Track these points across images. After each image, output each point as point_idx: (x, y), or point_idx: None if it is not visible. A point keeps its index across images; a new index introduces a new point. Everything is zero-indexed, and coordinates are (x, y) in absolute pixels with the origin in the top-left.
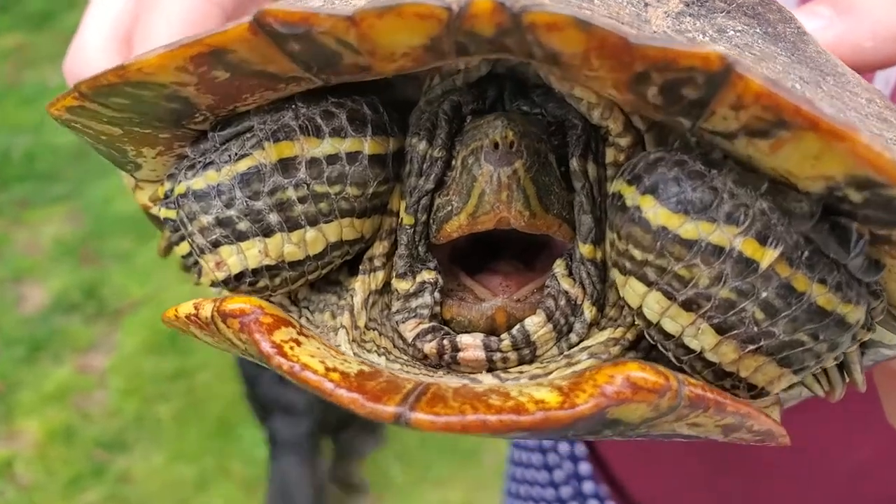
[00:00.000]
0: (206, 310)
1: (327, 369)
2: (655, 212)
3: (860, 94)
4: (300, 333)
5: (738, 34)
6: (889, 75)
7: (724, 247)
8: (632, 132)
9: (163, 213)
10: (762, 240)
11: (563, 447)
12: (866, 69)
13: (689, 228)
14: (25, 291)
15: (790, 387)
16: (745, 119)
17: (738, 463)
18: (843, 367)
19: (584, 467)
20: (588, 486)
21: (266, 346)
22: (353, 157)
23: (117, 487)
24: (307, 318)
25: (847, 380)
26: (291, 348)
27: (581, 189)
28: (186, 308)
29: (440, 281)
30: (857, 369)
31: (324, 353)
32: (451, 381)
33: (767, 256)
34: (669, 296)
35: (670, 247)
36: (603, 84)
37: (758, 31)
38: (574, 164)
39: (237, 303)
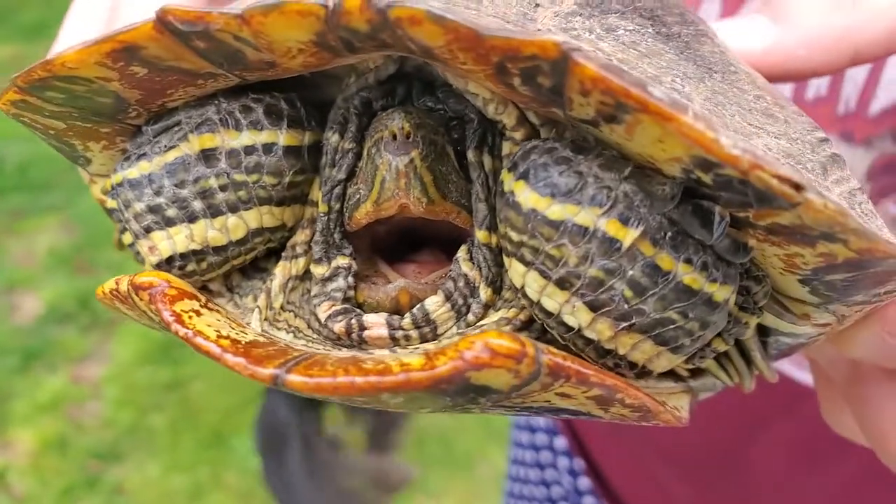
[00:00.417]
0: (123, 284)
1: (219, 336)
2: (526, 196)
3: (748, 91)
4: (204, 306)
5: (627, 33)
6: (856, 76)
7: (588, 227)
8: (526, 126)
9: (108, 203)
10: (624, 220)
11: (562, 462)
12: (800, 77)
13: (555, 210)
14: (19, 301)
15: (701, 374)
16: (595, 104)
17: (730, 490)
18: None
19: (584, 482)
20: (588, 501)
21: (166, 315)
22: (268, 147)
23: (111, 498)
24: (236, 303)
25: (755, 371)
26: (190, 317)
27: (476, 178)
28: (110, 284)
29: (354, 266)
30: (757, 357)
31: (221, 325)
32: (340, 354)
33: (629, 236)
34: (545, 275)
35: (540, 228)
36: (477, 77)
37: (650, 31)
38: (470, 155)
39: (147, 276)
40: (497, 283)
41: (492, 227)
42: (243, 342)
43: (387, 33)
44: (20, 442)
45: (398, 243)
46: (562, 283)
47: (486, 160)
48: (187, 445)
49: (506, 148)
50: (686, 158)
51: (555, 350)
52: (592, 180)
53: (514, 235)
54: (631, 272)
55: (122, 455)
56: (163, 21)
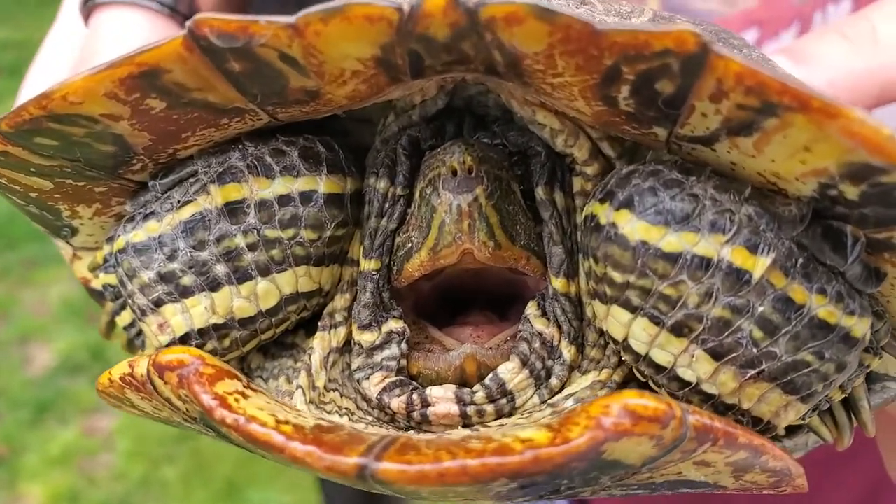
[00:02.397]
0: (141, 366)
1: (278, 421)
2: (633, 226)
3: None
4: (247, 387)
5: None
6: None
7: (711, 258)
8: (599, 160)
9: (101, 279)
10: (752, 248)
11: None
12: None
13: (671, 241)
14: (32, 353)
15: (796, 432)
16: (727, 111)
17: None
18: (848, 407)
19: None
20: None
21: (207, 399)
22: (307, 196)
23: None
24: (259, 387)
25: (854, 423)
26: (237, 400)
27: (549, 218)
28: (121, 368)
29: (408, 331)
30: (864, 406)
31: (274, 407)
32: (421, 436)
33: (759, 265)
34: (657, 321)
35: (652, 263)
36: (570, 93)
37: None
38: (540, 192)
39: (174, 353)
40: (579, 339)
41: (569, 275)
42: (307, 427)
43: (470, 41)
44: (31, 496)
45: (440, 306)
46: (679, 329)
47: (559, 197)
48: (200, 497)
49: (577, 184)
50: (833, 168)
51: (698, 408)
52: (710, 203)
53: (617, 276)
54: (761, 308)
55: None
56: (195, 35)
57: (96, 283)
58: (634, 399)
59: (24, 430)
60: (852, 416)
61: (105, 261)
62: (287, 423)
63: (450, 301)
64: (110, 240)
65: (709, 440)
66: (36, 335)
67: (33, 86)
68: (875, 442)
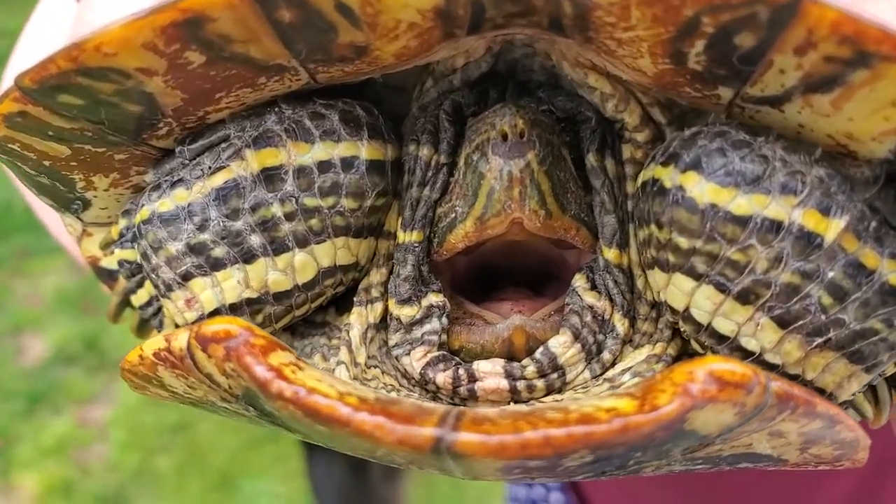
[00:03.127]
0: (181, 340)
1: (341, 393)
2: (702, 188)
3: None
4: (299, 359)
5: None
6: None
7: (782, 221)
8: (650, 126)
9: (117, 255)
10: (824, 210)
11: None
12: None
13: (741, 203)
14: (25, 343)
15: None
16: (811, 64)
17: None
18: (890, 383)
19: None
20: None
21: (261, 371)
22: (348, 163)
23: None
24: None
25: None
26: (293, 371)
27: (601, 186)
28: (155, 343)
29: (448, 304)
30: None
31: (332, 380)
32: (483, 408)
33: (832, 229)
34: (722, 288)
35: (721, 227)
36: (637, 50)
37: None
38: (591, 159)
39: (220, 323)
40: (631, 313)
41: (621, 245)
42: (370, 398)
43: None
44: (24, 487)
45: (473, 284)
46: (745, 297)
47: (609, 165)
48: (194, 488)
49: (626, 151)
50: None
51: (776, 376)
52: (780, 165)
53: (683, 241)
54: (831, 274)
55: (128, 499)
56: None
57: (109, 261)
58: (720, 364)
59: (17, 420)
60: (892, 392)
61: (121, 235)
62: (350, 394)
63: (483, 278)
64: (128, 213)
65: (788, 408)
66: (29, 325)
67: (19, 67)
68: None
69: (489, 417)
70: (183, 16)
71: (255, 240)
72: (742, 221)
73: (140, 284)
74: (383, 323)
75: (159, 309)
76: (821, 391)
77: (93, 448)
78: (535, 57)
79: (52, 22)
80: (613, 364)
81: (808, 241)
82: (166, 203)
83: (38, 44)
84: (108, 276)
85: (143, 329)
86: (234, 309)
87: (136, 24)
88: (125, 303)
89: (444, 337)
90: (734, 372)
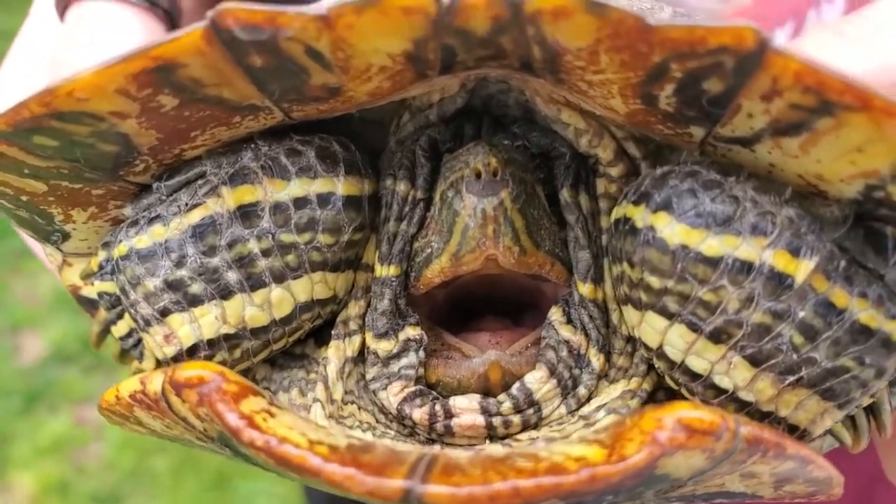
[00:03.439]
0: (155, 383)
1: (311, 442)
2: (672, 229)
3: None
4: (271, 404)
5: None
6: None
7: (753, 262)
8: (624, 161)
9: (97, 287)
10: (794, 251)
11: None
12: None
13: (712, 244)
14: (22, 342)
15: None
16: (777, 111)
17: None
18: (868, 410)
19: None
20: None
21: (232, 419)
22: (324, 199)
23: None
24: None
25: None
26: (264, 419)
27: (575, 222)
28: (131, 385)
29: (425, 338)
30: (886, 409)
31: (303, 426)
32: (457, 452)
33: (803, 269)
34: (694, 327)
35: (692, 268)
36: (608, 91)
37: None
38: (565, 195)
39: (193, 369)
40: (606, 347)
41: (596, 280)
42: (341, 447)
43: (511, 35)
44: (20, 486)
45: (452, 313)
46: (717, 336)
47: (583, 200)
48: (190, 488)
49: (600, 186)
50: (886, 170)
51: (747, 419)
52: (751, 205)
53: (654, 281)
54: (802, 314)
55: (123, 498)
56: (217, 27)
57: (89, 291)
58: (688, 411)
59: (14, 419)
60: (870, 419)
61: (101, 267)
62: (321, 442)
63: (461, 308)
64: (107, 245)
65: (759, 451)
66: (27, 324)
67: (5, 85)
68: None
69: (460, 466)
70: (154, 63)
71: (232, 276)
72: (713, 262)
73: (120, 316)
74: (361, 356)
75: (139, 340)
76: (794, 428)
77: (89, 447)
78: (510, 92)
79: (40, 39)
80: (589, 399)
81: (778, 282)
82: (143, 239)
83: (25, 63)
84: (89, 305)
85: (124, 357)
86: (211, 344)
87: (108, 71)
88: (107, 331)
89: (421, 371)
90: (702, 420)
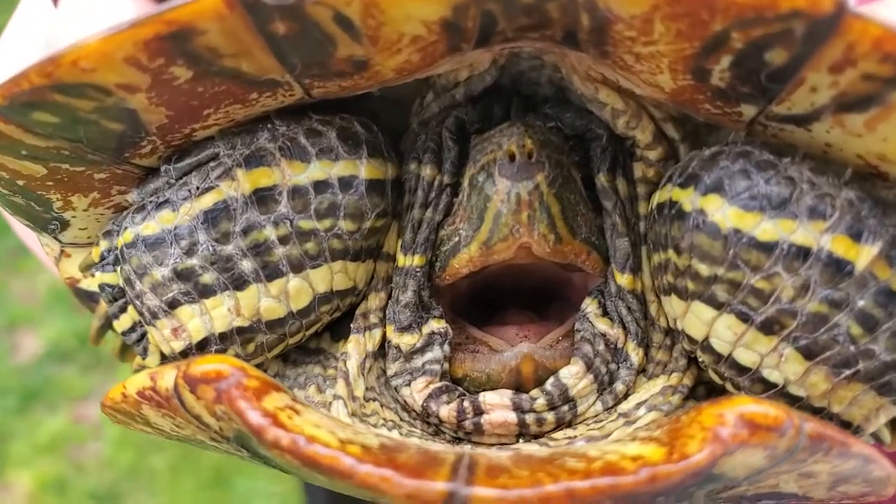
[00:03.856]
0: (167, 379)
1: (342, 441)
2: (724, 212)
3: None
4: (295, 401)
5: None
6: None
7: (810, 247)
8: (662, 143)
9: (98, 278)
10: (855, 235)
11: None
12: None
13: (767, 228)
14: (20, 340)
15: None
16: (847, 83)
17: None
18: None
19: None
20: None
21: (255, 417)
22: (346, 182)
23: None
24: None
25: None
26: (290, 417)
27: (613, 208)
28: (139, 381)
29: (450, 331)
30: None
31: (331, 424)
32: (495, 452)
33: (864, 255)
34: (745, 318)
35: (745, 254)
36: (656, 66)
37: None
38: (602, 179)
39: (210, 363)
40: (645, 341)
41: (634, 269)
42: (374, 447)
43: (559, 1)
44: (18, 484)
45: (474, 305)
46: (769, 327)
47: (621, 185)
48: (188, 486)
49: (638, 170)
50: None
51: (811, 416)
52: (808, 187)
53: (703, 269)
54: (861, 302)
55: (122, 496)
56: None
57: (89, 283)
58: (752, 406)
59: (11, 417)
60: None
61: (102, 257)
62: (352, 441)
63: (483, 300)
64: (109, 234)
65: (821, 449)
66: (24, 322)
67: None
68: None
69: (505, 467)
70: (168, 28)
71: (247, 265)
72: (767, 248)
73: (123, 309)
74: (381, 350)
75: (143, 335)
76: (847, 424)
77: (87, 445)
78: (543, 69)
79: (29, 29)
80: (626, 396)
81: (837, 269)
82: (151, 226)
83: (17, 50)
84: (88, 299)
85: (125, 354)
86: (223, 338)
87: (117, 37)
88: (107, 326)
89: (446, 365)
90: (766, 415)
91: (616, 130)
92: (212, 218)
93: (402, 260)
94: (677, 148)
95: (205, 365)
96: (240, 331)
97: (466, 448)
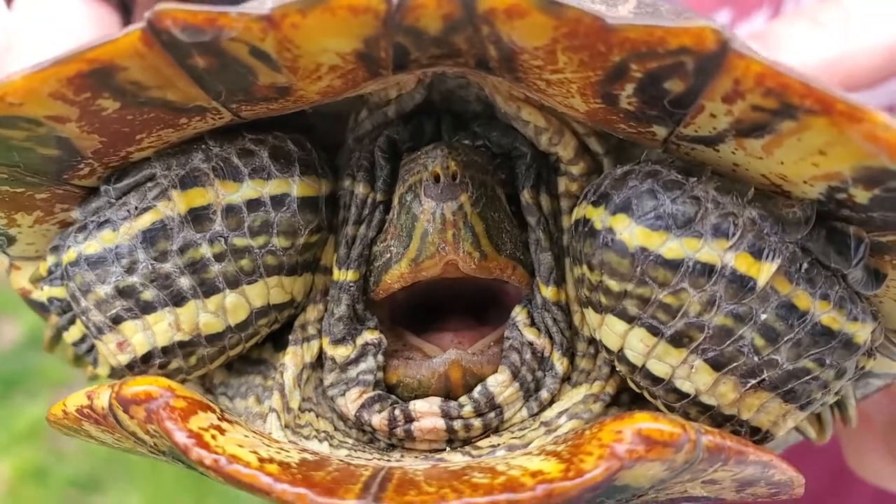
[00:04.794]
0: (102, 399)
1: (261, 460)
2: (631, 231)
3: None
4: (222, 419)
5: None
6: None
7: (714, 265)
8: (585, 158)
9: (46, 292)
10: (756, 253)
11: None
12: None
13: (672, 247)
14: None
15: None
16: (740, 112)
17: None
18: (833, 403)
19: None
20: None
21: (181, 437)
22: (279, 200)
23: None
24: (225, 407)
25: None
26: (213, 437)
27: (537, 224)
28: (77, 400)
29: (384, 341)
30: (851, 403)
31: (254, 442)
32: (415, 464)
33: (765, 272)
34: (655, 331)
35: (652, 271)
36: (567, 91)
37: None
38: (526, 196)
39: (140, 384)
40: (570, 350)
41: (558, 282)
42: (293, 464)
43: (464, 34)
44: None
45: (415, 311)
46: (678, 340)
47: (544, 201)
48: (169, 474)
49: (561, 185)
50: (847, 172)
51: (709, 427)
52: (713, 206)
53: (613, 285)
54: (764, 316)
55: (102, 484)
56: (156, 29)
57: (39, 296)
58: (648, 423)
59: None
60: (834, 411)
61: (50, 272)
62: (271, 460)
63: (424, 306)
64: (55, 249)
65: (720, 460)
66: (3, 309)
67: None
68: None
69: (415, 482)
70: (90, 66)
71: (185, 282)
72: (673, 265)
73: (72, 322)
74: (319, 361)
75: (93, 346)
76: (757, 430)
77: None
78: (470, 87)
79: None
80: (552, 403)
81: (740, 285)
82: (93, 245)
83: None
84: (40, 309)
85: (79, 361)
86: (166, 352)
87: (40, 75)
88: (59, 335)
89: (380, 374)
90: (662, 431)
91: (539, 147)
92: (150, 237)
93: (337, 274)
94: (601, 161)
95: (135, 387)
96: (181, 344)
97: (394, 457)
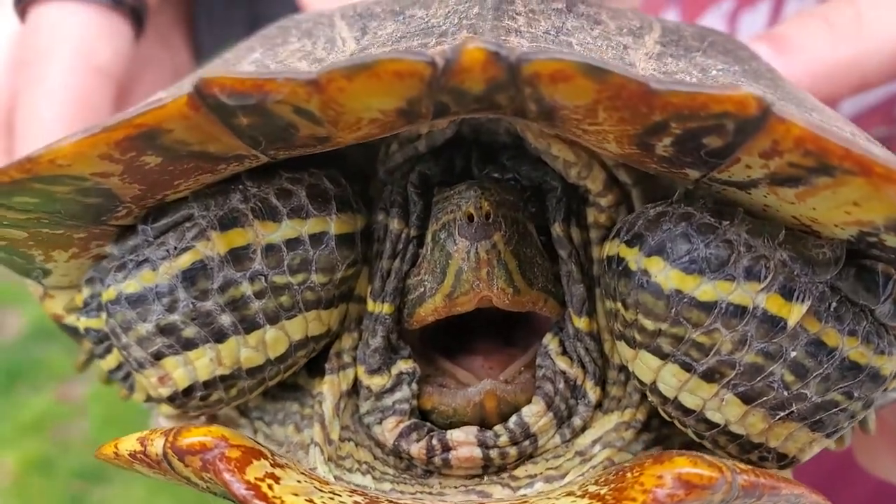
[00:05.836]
0: (157, 446)
1: None
2: (666, 274)
3: (844, 128)
4: (274, 465)
5: (720, 73)
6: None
7: (746, 306)
8: (613, 190)
9: (83, 323)
10: (787, 294)
11: None
12: None
13: (706, 290)
14: (3, 318)
15: None
16: (776, 166)
17: None
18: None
19: None
20: None
21: (240, 489)
22: (317, 238)
23: None
24: (263, 433)
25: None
26: (270, 487)
27: (568, 257)
28: (129, 444)
29: (418, 370)
30: (872, 417)
31: (308, 488)
32: (457, 498)
33: (795, 312)
34: (688, 367)
35: (686, 312)
36: (602, 138)
37: (737, 68)
38: (557, 230)
39: (196, 435)
40: (602, 378)
41: (590, 313)
42: None
43: (507, 94)
44: (3, 464)
45: (443, 330)
46: (710, 376)
47: (575, 233)
48: None
49: (590, 216)
50: (880, 221)
51: (743, 466)
52: (745, 250)
53: (648, 324)
54: (794, 353)
55: (107, 476)
56: (203, 95)
57: (74, 323)
58: (687, 468)
59: None
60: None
61: (86, 304)
62: None
63: (453, 324)
64: (91, 281)
65: (754, 496)
66: (8, 301)
67: None
68: None
69: None
70: (137, 130)
71: (226, 319)
72: (707, 307)
73: (108, 350)
74: (355, 388)
75: (129, 374)
76: (783, 455)
77: (72, 424)
78: (500, 122)
79: None
80: (584, 430)
81: (771, 325)
82: (133, 284)
83: None
84: (73, 333)
85: (110, 381)
86: (207, 385)
87: (90, 140)
88: (92, 359)
89: (414, 402)
90: (701, 476)
91: (568, 179)
92: (190, 277)
93: (372, 306)
94: (629, 192)
95: (191, 437)
96: (222, 378)
97: (433, 485)
